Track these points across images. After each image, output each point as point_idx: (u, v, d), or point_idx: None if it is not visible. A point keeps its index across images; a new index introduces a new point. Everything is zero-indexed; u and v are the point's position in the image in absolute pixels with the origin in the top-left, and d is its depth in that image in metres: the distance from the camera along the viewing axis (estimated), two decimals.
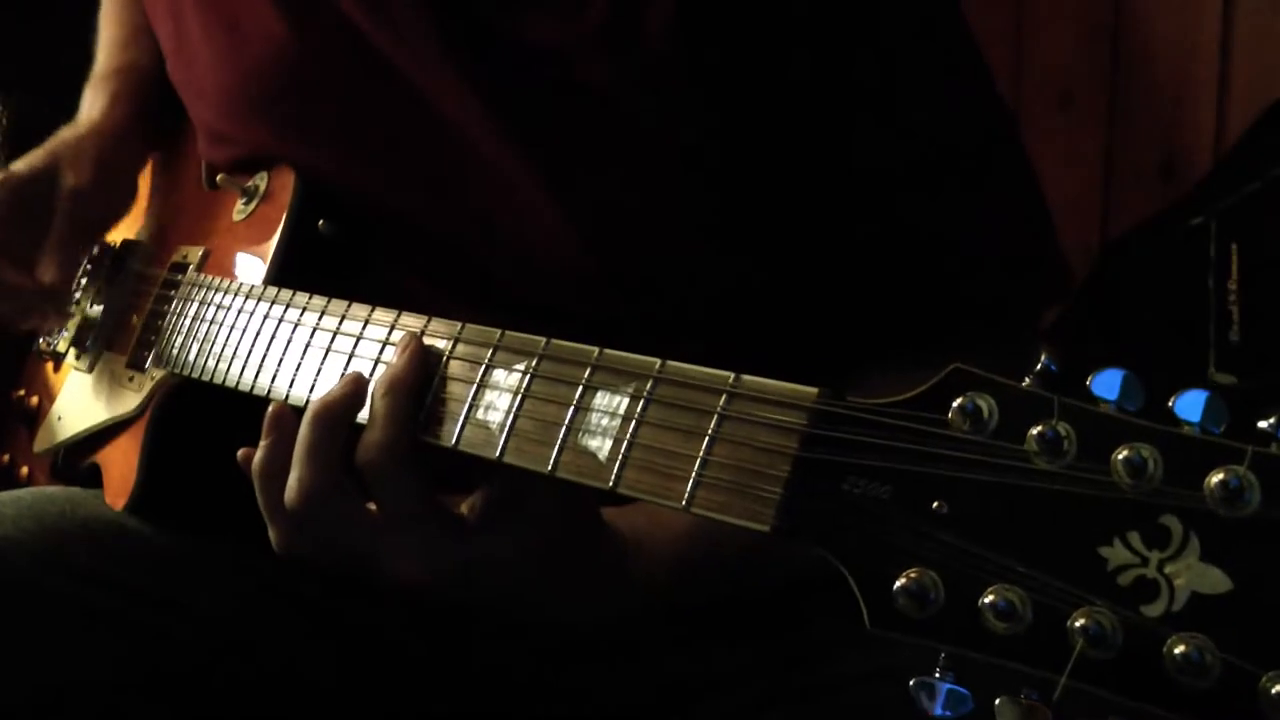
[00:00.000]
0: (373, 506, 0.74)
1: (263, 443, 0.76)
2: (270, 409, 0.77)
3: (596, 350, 0.65)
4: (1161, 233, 1.62)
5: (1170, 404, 0.46)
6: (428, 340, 0.74)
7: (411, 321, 0.76)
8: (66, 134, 1.12)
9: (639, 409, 0.61)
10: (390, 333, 0.77)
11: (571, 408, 0.64)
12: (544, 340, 0.68)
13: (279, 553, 0.77)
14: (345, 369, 0.78)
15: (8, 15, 1.78)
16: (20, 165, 1.09)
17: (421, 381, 0.72)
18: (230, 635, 0.95)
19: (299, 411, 0.76)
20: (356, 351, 0.79)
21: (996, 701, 0.47)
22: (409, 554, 0.73)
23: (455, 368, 0.72)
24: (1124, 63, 1.77)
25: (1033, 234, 0.95)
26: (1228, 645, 0.42)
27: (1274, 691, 0.40)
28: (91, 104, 1.14)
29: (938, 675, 0.48)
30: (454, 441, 0.70)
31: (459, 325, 0.73)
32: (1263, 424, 0.44)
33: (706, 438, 0.57)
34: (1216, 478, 0.43)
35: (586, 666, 0.93)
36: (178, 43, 1.08)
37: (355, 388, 0.75)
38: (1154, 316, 1.58)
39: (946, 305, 0.90)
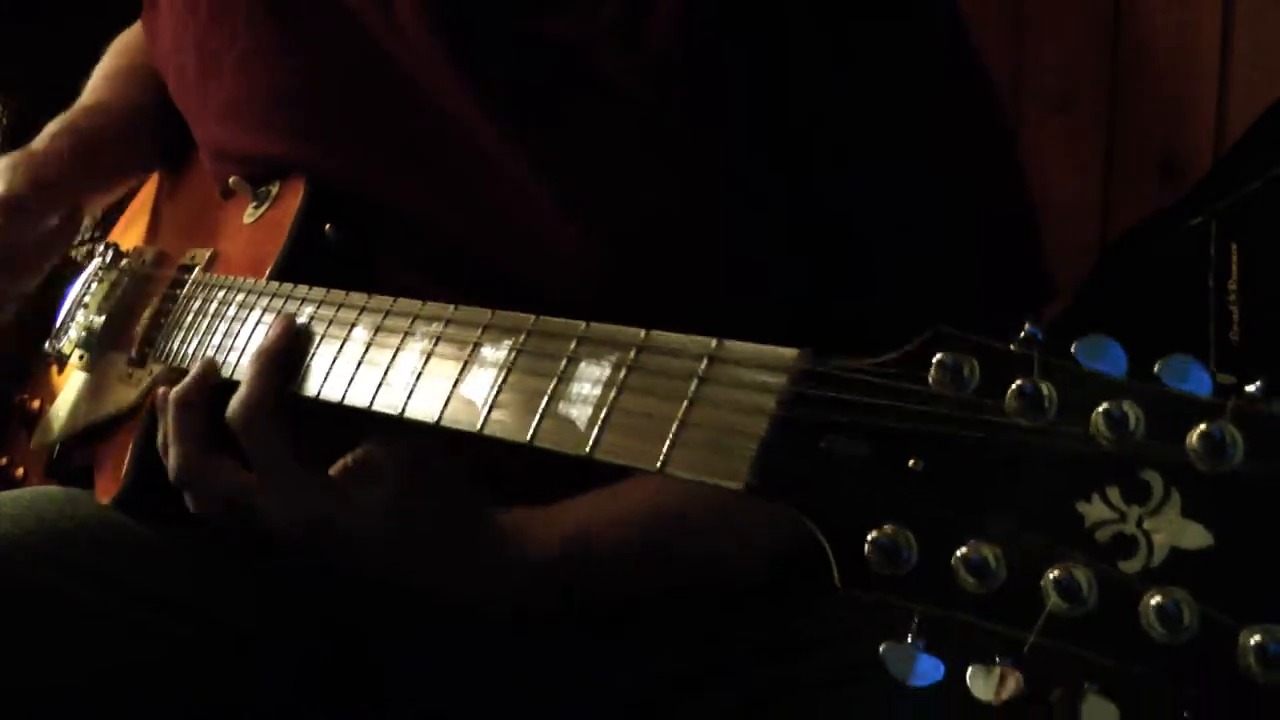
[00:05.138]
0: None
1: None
2: (158, 394, 0.87)
3: (584, 324, 0.65)
4: (1161, 233, 1.62)
5: (1155, 370, 0.45)
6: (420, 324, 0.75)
7: (406, 307, 0.77)
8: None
9: (620, 376, 0.61)
10: (384, 318, 0.77)
11: (554, 379, 0.64)
12: (533, 318, 0.68)
13: (194, 514, 0.86)
14: (337, 355, 0.79)
15: (8, 15, 1.78)
16: None
17: (288, 349, 0.81)
18: (231, 633, 0.95)
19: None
20: (351, 337, 0.79)
21: (969, 669, 0.46)
22: (280, 510, 0.80)
23: (445, 346, 0.72)
24: (1124, 63, 1.77)
25: (1013, 241, 0.95)
26: (1207, 599, 0.41)
27: (1254, 643, 0.39)
28: (41, 135, 1.16)
29: (909, 641, 0.47)
30: (436, 419, 0.70)
31: (451, 307, 0.74)
32: (1250, 388, 0.43)
33: (685, 401, 0.56)
34: (1198, 431, 0.42)
35: (581, 663, 0.93)
36: (179, 67, 1.09)
37: (207, 369, 0.87)
38: (1154, 316, 1.57)
39: (923, 307, 0.90)
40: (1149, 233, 1.64)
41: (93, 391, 1.09)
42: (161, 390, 0.87)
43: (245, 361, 0.82)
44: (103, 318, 1.11)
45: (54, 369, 1.20)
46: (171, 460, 0.85)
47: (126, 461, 0.97)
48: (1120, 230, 1.73)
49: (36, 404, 1.21)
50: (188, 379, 0.86)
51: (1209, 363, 0.46)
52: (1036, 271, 0.95)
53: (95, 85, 1.24)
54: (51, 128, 1.16)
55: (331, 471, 0.81)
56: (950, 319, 0.88)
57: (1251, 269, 1.49)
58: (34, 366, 1.25)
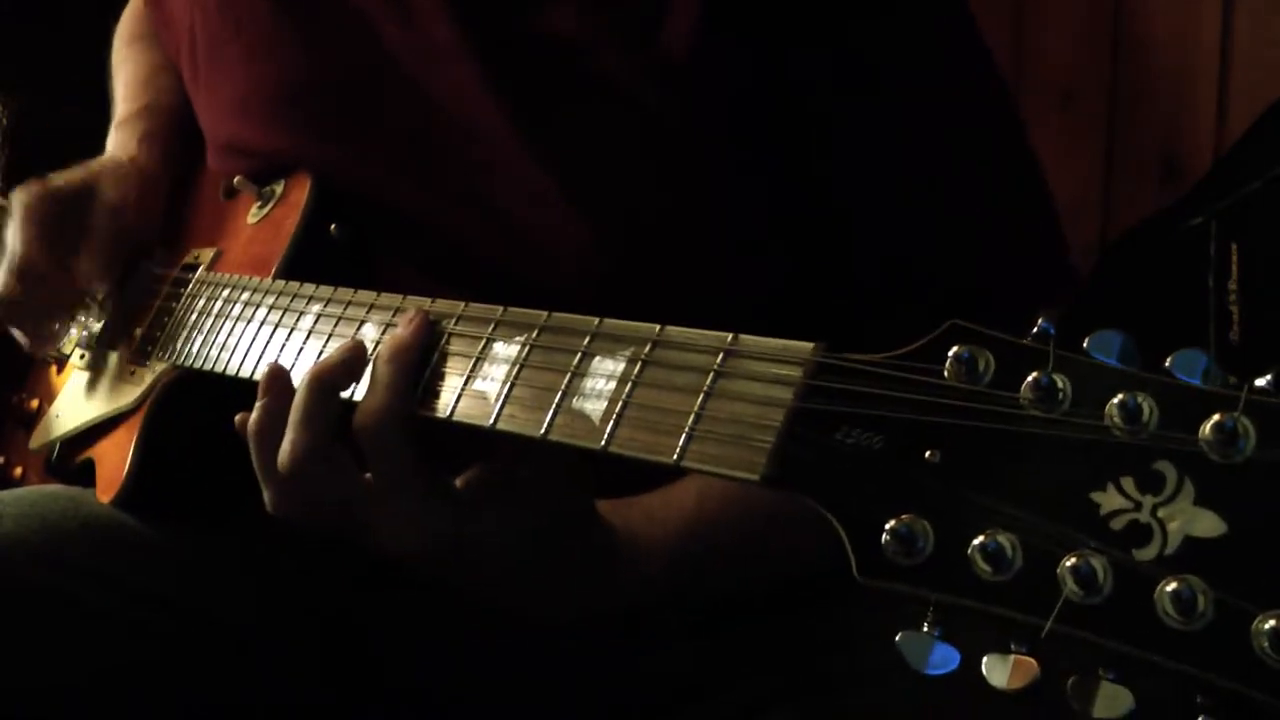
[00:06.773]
0: (368, 475, 0.73)
1: (258, 403, 0.76)
2: (267, 369, 0.77)
3: (597, 320, 0.65)
4: (1161, 233, 1.62)
5: (1167, 364, 0.46)
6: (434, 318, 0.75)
7: (415, 304, 0.76)
8: (106, 160, 1.13)
9: (635, 371, 0.61)
10: (394, 315, 0.77)
11: (569, 374, 0.64)
12: (545, 314, 0.68)
13: (271, 513, 0.77)
14: None
15: (8, 15, 1.78)
16: (59, 179, 1.10)
17: (424, 351, 0.73)
18: (231, 633, 0.95)
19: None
20: (359, 335, 0.78)
21: (984, 659, 0.47)
22: (401, 523, 0.73)
23: (456, 343, 0.72)
24: (1124, 63, 1.78)
25: (1031, 228, 0.95)
26: (1221, 585, 0.41)
27: (1268, 628, 0.40)
28: (124, 144, 1.16)
29: (925, 629, 0.48)
30: (449, 413, 0.70)
31: (462, 304, 0.74)
32: (1260, 381, 0.44)
33: (701, 394, 0.57)
34: (1211, 422, 0.43)
35: (587, 659, 0.93)
36: (189, 58, 1.09)
37: (353, 354, 0.76)
38: (1154, 316, 1.57)
39: (941, 297, 0.90)
40: (1149, 233, 1.65)
41: (94, 390, 1.09)
42: (273, 366, 0.78)
43: (379, 363, 0.73)
44: (103, 317, 1.11)
45: (53, 369, 1.20)
46: (287, 447, 0.74)
47: (129, 460, 0.97)
48: (1120, 230, 1.74)
49: (35, 403, 1.21)
50: (329, 359, 0.76)
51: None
52: (1056, 259, 0.95)
53: (135, 80, 1.23)
54: (135, 137, 1.16)
55: (459, 486, 0.74)
56: (971, 312, 0.88)
57: (1251, 269, 1.50)
58: (31, 366, 1.25)
